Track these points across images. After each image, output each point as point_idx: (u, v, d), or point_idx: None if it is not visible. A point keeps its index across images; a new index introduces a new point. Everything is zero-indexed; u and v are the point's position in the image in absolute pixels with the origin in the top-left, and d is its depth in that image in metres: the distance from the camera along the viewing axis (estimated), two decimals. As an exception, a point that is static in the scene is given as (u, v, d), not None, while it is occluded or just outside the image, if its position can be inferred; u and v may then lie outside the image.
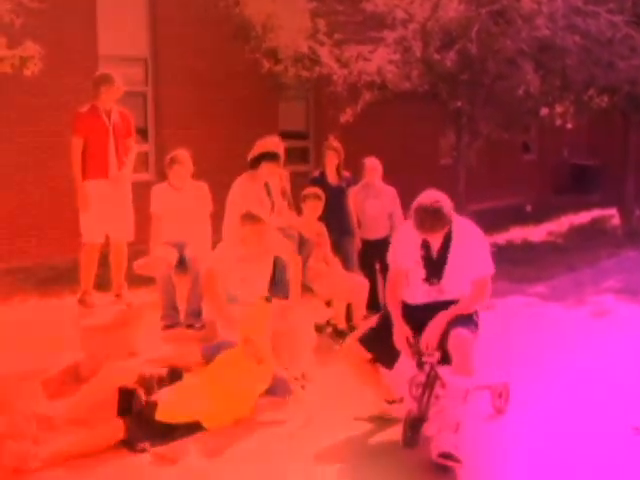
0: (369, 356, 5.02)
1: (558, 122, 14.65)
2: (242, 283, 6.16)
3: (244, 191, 6.89)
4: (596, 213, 17.61)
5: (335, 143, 8.38)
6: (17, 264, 10.56)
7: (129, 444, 4.82)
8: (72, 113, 7.13)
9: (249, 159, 6.98)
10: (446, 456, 4.48)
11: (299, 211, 7.48)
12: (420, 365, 4.84)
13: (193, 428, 5.09)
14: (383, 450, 4.91)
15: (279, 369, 5.65)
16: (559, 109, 14.22)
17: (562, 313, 8.77)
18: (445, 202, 4.72)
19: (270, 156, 6.91)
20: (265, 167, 6.88)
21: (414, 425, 4.76)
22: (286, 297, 6.89)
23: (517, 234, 14.91)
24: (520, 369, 6.63)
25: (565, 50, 12.01)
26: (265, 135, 7.36)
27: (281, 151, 7.05)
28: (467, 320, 4.82)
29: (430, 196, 4.75)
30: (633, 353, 7.11)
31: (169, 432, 4.96)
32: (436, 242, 4.82)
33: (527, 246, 13.81)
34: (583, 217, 17.31)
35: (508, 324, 8.29)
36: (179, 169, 6.97)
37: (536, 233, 15.10)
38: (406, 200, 8.64)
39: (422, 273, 4.87)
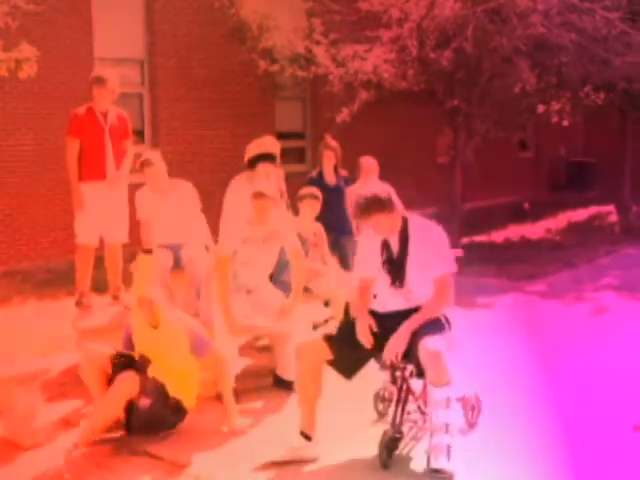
0: (330, 357, 4.72)
1: (554, 119, 14.67)
2: (244, 266, 6.07)
3: (241, 191, 6.88)
4: (593, 210, 17.63)
5: (332, 143, 8.37)
6: (15, 267, 10.56)
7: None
8: (68, 115, 7.13)
9: (246, 159, 6.96)
10: (436, 471, 4.41)
11: (295, 211, 7.48)
12: (394, 380, 4.67)
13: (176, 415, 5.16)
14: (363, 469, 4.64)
15: (193, 324, 5.47)
16: (555, 106, 14.24)
17: (560, 310, 8.78)
18: (381, 190, 4.68)
19: (267, 157, 6.90)
20: (262, 168, 6.86)
21: (390, 444, 4.57)
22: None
23: (515, 232, 14.92)
24: (518, 367, 6.63)
25: (561, 47, 12.02)
26: (262, 135, 7.36)
27: (277, 152, 7.05)
28: (435, 327, 4.61)
29: (367, 187, 4.79)
30: (632, 350, 7.11)
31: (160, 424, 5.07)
32: (394, 243, 4.72)
33: (525, 243, 13.82)
34: (581, 214, 17.32)
35: (506, 322, 8.29)
36: (151, 171, 6.80)
37: (534, 230, 15.11)
38: (403, 199, 8.67)
39: (387, 278, 4.74)
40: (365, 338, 4.63)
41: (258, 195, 5.88)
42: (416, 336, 4.52)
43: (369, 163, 8.36)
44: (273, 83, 13.21)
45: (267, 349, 6.65)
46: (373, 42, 11.74)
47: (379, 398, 5.31)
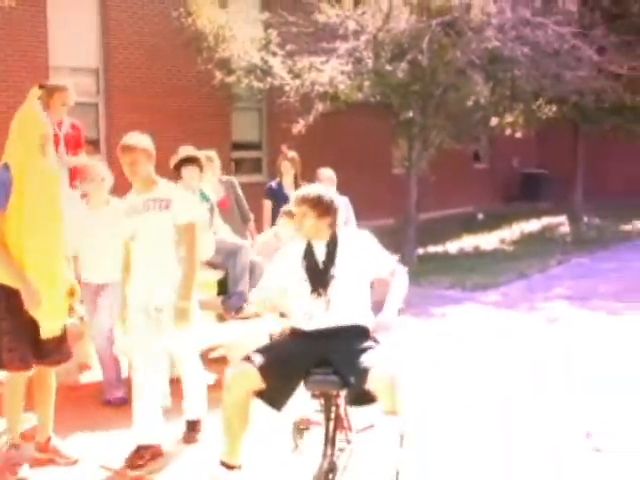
0: (262, 387, 4.29)
1: (508, 132, 14.89)
2: (132, 243, 5.13)
3: None
4: (546, 221, 17.88)
5: (291, 154, 8.42)
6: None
7: None
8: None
9: (172, 167, 6.86)
10: None
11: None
12: (327, 409, 4.31)
13: None
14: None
15: None
16: (509, 119, 14.46)
17: (514, 320, 8.88)
18: (324, 194, 4.51)
19: (188, 160, 6.70)
20: (185, 172, 6.66)
21: (328, 478, 4.19)
22: (237, 311, 6.80)
23: (469, 242, 15.07)
24: (472, 376, 6.71)
25: (514, 61, 12.24)
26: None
27: (200, 156, 6.90)
28: (378, 349, 4.30)
29: (316, 186, 4.73)
30: (582, 358, 7.23)
31: None
32: (320, 251, 4.50)
33: (478, 254, 13.96)
34: (533, 225, 17.55)
35: (461, 332, 8.38)
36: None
37: (488, 241, 15.28)
38: (359, 209, 8.73)
39: (307, 286, 4.48)
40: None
41: (125, 148, 5.15)
42: (357, 359, 4.19)
43: (327, 174, 8.40)
44: (229, 94, 13.22)
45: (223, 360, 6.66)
46: (329, 54, 11.81)
47: (298, 428, 4.88)
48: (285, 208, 7.48)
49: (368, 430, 4.47)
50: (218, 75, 12.20)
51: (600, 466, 4.85)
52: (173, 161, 6.80)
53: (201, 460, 4.90)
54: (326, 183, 8.27)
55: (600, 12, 14.58)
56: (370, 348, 4.28)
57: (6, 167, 4.64)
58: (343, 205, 8.37)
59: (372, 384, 4.09)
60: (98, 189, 6.10)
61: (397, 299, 4.49)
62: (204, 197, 6.96)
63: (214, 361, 6.80)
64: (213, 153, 7.57)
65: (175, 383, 6.09)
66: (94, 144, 11.82)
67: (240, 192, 7.71)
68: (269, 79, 12.04)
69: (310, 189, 4.56)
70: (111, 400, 6.10)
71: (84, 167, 6.51)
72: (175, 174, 6.73)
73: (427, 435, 5.22)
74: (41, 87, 4.95)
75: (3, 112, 10.83)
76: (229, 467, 4.42)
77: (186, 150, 6.94)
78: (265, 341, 6.31)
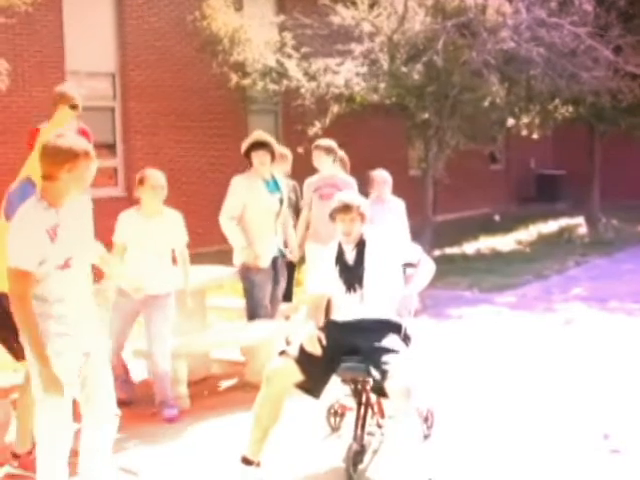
0: (300, 379, 4.51)
1: (524, 132, 14.86)
2: (58, 273, 3.76)
3: (242, 185, 6.47)
4: (563, 222, 17.81)
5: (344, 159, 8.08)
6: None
7: None
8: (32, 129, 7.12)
9: (243, 153, 6.57)
10: None
11: None
12: (356, 394, 4.62)
13: None
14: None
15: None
16: (525, 120, 14.43)
17: (530, 322, 8.86)
18: (363, 200, 4.91)
19: (257, 145, 6.44)
20: (255, 156, 6.43)
21: (356, 458, 4.47)
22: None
23: (486, 243, 15.03)
24: (489, 377, 6.70)
25: (530, 62, 12.20)
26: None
27: (269, 140, 6.52)
28: (401, 351, 4.49)
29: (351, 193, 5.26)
30: (600, 360, 7.20)
31: None
32: (349, 252, 4.76)
33: (496, 255, 13.93)
34: (551, 226, 17.48)
35: (477, 333, 8.36)
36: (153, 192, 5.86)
37: (504, 242, 15.23)
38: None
39: (342, 285, 4.75)
40: (314, 348, 4.49)
41: (90, 155, 3.84)
42: (381, 357, 4.40)
43: (382, 176, 8.30)
44: (245, 96, 13.26)
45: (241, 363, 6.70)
46: (344, 56, 11.84)
47: (332, 412, 5.24)
48: (316, 143, 7.44)
49: (392, 420, 4.65)
50: (234, 78, 12.25)
51: (618, 467, 4.83)
52: (244, 146, 6.52)
53: (222, 456, 4.95)
54: (382, 186, 8.17)
55: (616, 12, 14.49)
56: (395, 351, 4.45)
57: (31, 182, 4.45)
58: (402, 207, 8.34)
59: (388, 388, 4.30)
60: (155, 197, 5.78)
61: (421, 281, 4.91)
62: (275, 186, 6.62)
63: (233, 364, 6.83)
64: (287, 150, 7.43)
65: (193, 385, 6.15)
66: (110, 148, 11.89)
67: (293, 197, 7.54)
68: (284, 81, 12.09)
69: (353, 197, 4.86)
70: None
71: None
72: (246, 161, 6.54)
73: (444, 436, 5.23)
74: (72, 107, 4.97)
75: (21, 117, 10.94)
76: (248, 462, 4.53)
77: (257, 134, 6.59)
78: (282, 344, 6.38)
